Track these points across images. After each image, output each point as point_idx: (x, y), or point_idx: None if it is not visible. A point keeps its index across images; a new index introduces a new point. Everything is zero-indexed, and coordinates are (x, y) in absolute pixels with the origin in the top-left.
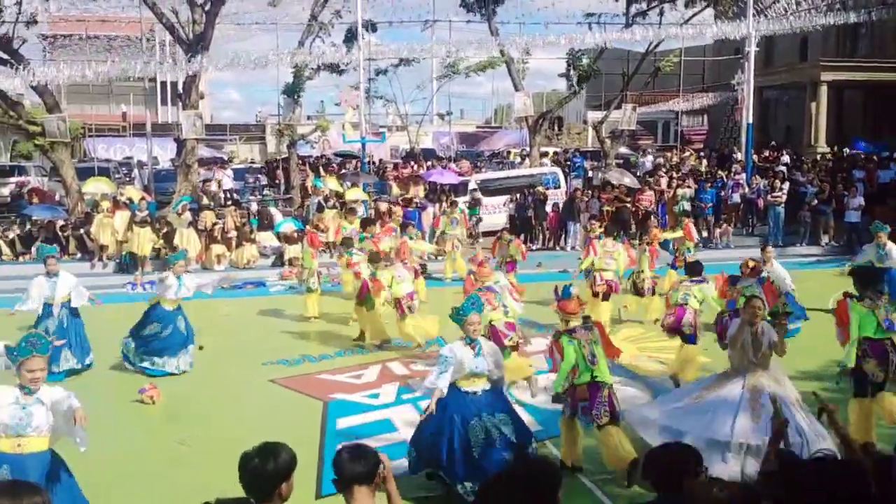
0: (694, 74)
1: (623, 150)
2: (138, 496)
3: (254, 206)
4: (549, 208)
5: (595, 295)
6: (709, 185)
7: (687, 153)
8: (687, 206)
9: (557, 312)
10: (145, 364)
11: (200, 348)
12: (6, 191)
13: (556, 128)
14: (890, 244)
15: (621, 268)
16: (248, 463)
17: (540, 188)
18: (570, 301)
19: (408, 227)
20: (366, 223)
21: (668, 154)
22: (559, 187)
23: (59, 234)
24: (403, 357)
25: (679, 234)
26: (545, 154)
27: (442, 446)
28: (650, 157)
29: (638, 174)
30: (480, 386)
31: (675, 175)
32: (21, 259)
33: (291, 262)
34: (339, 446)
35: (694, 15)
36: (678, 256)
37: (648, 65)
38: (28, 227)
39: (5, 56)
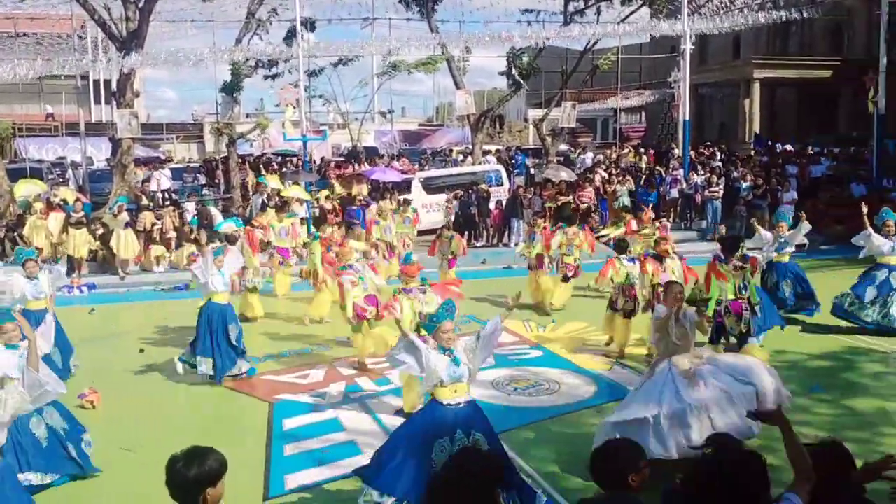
0: (631, 72)
1: (563, 147)
2: None
3: (192, 206)
4: (492, 205)
5: (564, 279)
6: (650, 185)
7: (625, 150)
8: (627, 201)
9: (401, 276)
10: None
11: (141, 351)
12: None
13: (497, 125)
14: (787, 234)
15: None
16: (173, 467)
17: (483, 186)
18: (410, 266)
19: (353, 227)
20: (318, 222)
21: (608, 151)
22: (502, 185)
23: None
24: (349, 357)
25: (621, 230)
26: (487, 152)
27: (404, 477)
28: (590, 154)
29: (578, 171)
30: (462, 396)
31: (613, 171)
32: None
33: None
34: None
35: (631, 13)
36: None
37: (587, 63)
38: None
39: None
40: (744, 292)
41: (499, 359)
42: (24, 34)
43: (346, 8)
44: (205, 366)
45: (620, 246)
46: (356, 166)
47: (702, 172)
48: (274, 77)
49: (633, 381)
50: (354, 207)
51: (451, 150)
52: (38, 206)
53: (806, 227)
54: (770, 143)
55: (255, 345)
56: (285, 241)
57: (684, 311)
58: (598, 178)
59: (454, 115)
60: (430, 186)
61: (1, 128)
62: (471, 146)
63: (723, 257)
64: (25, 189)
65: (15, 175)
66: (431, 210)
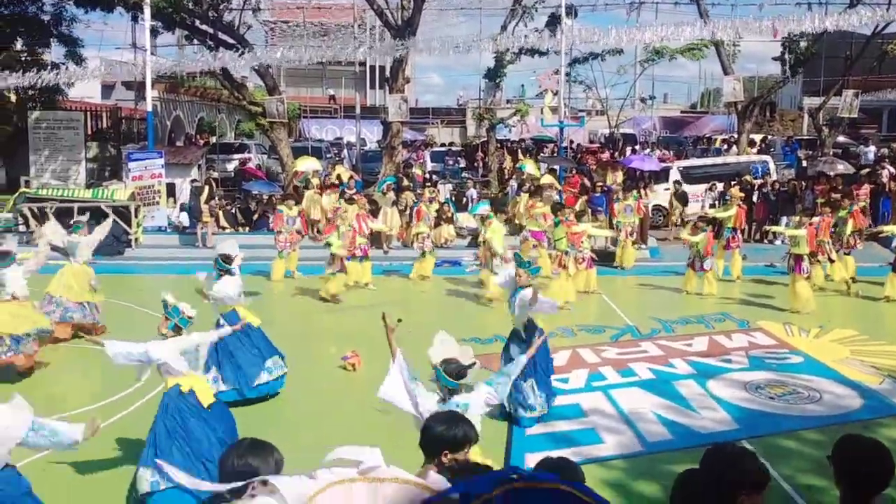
0: None
1: (842, 138)
2: None
3: (449, 188)
4: (755, 199)
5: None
6: None
7: None
8: None
9: None
10: None
11: (399, 320)
12: (230, 167)
13: (767, 114)
14: None
15: None
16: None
17: (748, 177)
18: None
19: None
20: (557, 208)
21: (894, 145)
22: (769, 176)
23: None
24: (594, 344)
25: None
26: (753, 142)
27: None
28: (872, 148)
29: (859, 165)
30: None
31: None
32: (240, 231)
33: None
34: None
35: None
36: None
37: (874, 48)
38: (247, 201)
39: (232, 41)
40: None
41: (754, 361)
42: (311, 23)
43: None
44: None
45: None
46: (613, 153)
47: None
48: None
49: None
50: (597, 194)
51: (714, 139)
52: (315, 182)
53: None
54: None
55: (504, 323)
56: (538, 224)
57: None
58: (885, 174)
59: (720, 101)
60: (690, 176)
61: (290, 109)
62: (736, 135)
63: None
64: (304, 164)
65: (298, 153)
66: (690, 201)
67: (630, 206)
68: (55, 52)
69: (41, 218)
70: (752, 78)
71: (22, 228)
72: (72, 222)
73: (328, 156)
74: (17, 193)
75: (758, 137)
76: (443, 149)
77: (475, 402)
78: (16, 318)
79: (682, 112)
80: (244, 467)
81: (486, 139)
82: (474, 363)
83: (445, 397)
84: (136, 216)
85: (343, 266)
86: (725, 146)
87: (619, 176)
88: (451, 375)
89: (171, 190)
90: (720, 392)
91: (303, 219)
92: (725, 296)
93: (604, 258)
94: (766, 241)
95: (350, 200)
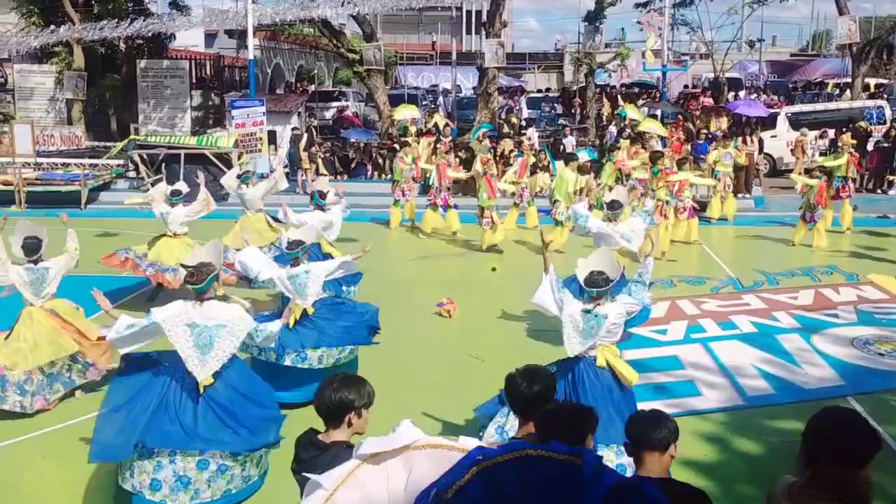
0: None
1: None
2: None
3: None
4: (870, 146)
5: None
6: None
7: None
8: None
9: None
10: None
11: (493, 269)
12: (328, 114)
13: (885, 57)
14: None
15: None
16: (514, 382)
17: (862, 123)
18: None
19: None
20: (656, 156)
21: None
22: (884, 123)
23: (375, 155)
24: (694, 296)
25: None
26: (867, 87)
27: None
28: None
29: None
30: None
31: None
32: (338, 178)
33: (581, 192)
34: None
35: None
36: None
37: None
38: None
39: None
40: None
41: (863, 316)
42: None
43: None
44: None
45: None
46: (717, 98)
47: None
48: (645, 5)
49: None
50: (701, 141)
51: (825, 84)
52: (413, 129)
53: None
54: None
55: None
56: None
57: None
58: None
59: (833, 44)
60: (799, 122)
61: (386, 56)
62: (850, 79)
63: None
64: (402, 114)
65: (395, 101)
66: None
67: (730, 154)
68: (160, 4)
69: (149, 164)
70: (869, 18)
71: (132, 174)
72: (239, 174)
73: (424, 103)
74: (125, 140)
75: (873, 82)
76: (539, 95)
77: (614, 312)
78: (173, 250)
79: (791, 55)
80: (340, 399)
81: (584, 84)
82: (620, 276)
83: (588, 306)
84: (238, 162)
85: (492, 220)
86: (837, 91)
87: (724, 122)
88: (596, 285)
89: (272, 137)
90: (825, 347)
91: (416, 167)
92: (834, 248)
93: (704, 208)
94: (879, 190)
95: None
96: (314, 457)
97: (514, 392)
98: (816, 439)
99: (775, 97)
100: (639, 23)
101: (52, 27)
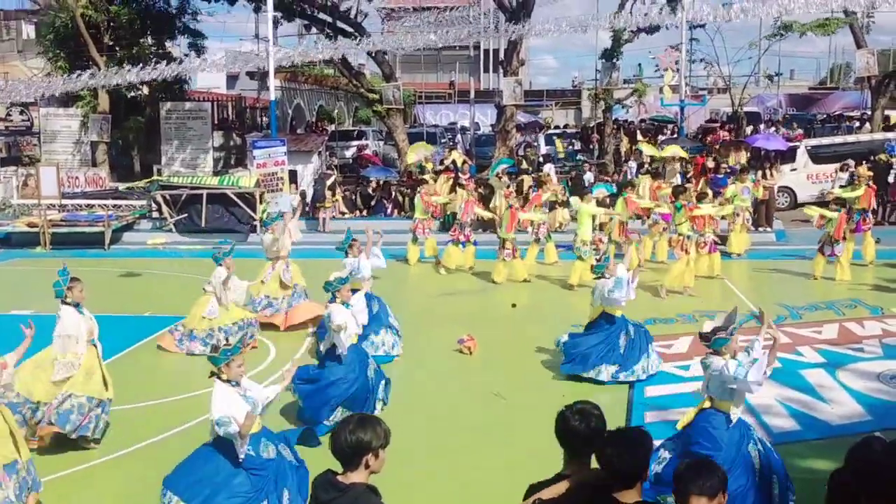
0: None
1: None
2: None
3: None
4: (891, 178)
5: None
6: None
7: None
8: None
9: None
10: None
11: (513, 305)
12: (348, 153)
13: None
14: None
15: None
16: (563, 417)
17: (882, 156)
18: None
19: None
20: (679, 191)
21: None
22: None
23: (394, 193)
24: None
25: None
26: (886, 120)
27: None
28: None
29: None
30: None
31: None
32: (358, 214)
33: (601, 228)
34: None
35: None
36: None
37: None
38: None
39: (350, 29)
40: None
41: (889, 350)
42: (426, 8)
43: None
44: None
45: None
46: (734, 132)
47: None
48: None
49: None
50: (720, 175)
51: (844, 116)
52: (430, 166)
53: None
54: None
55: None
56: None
57: None
58: None
59: (852, 77)
60: (819, 155)
61: (405, 95)
62: (869, 111)
63: None
64: (414, 156)
65: (413, 139)
66: (817, 181)
67: (747, 188)
68: (182, 47)
69: (172, 204)
70: (887, 51)
71: (155, 215)
72: (266, 214)
73: (443, 141)
74: (146, 181)
75: (893, 114)
76: (556, 131)
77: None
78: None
79: (809, 88)
80: (357, 441)
81: (601, 121)
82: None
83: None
84: (260, 202)
85: (514, 251)
86: (857, 123)
87: (743, 156)
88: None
89: (293, 176)
90: (851, 382)
91: (436, 204)
92: (857, 281)
93: (724, 242)
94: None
95: (460, 185)
96: (334, 498)
97: (567, 429)
98: (865, 471)
99: (798, 130)
100: (654, 58)
101: (78, 72)
